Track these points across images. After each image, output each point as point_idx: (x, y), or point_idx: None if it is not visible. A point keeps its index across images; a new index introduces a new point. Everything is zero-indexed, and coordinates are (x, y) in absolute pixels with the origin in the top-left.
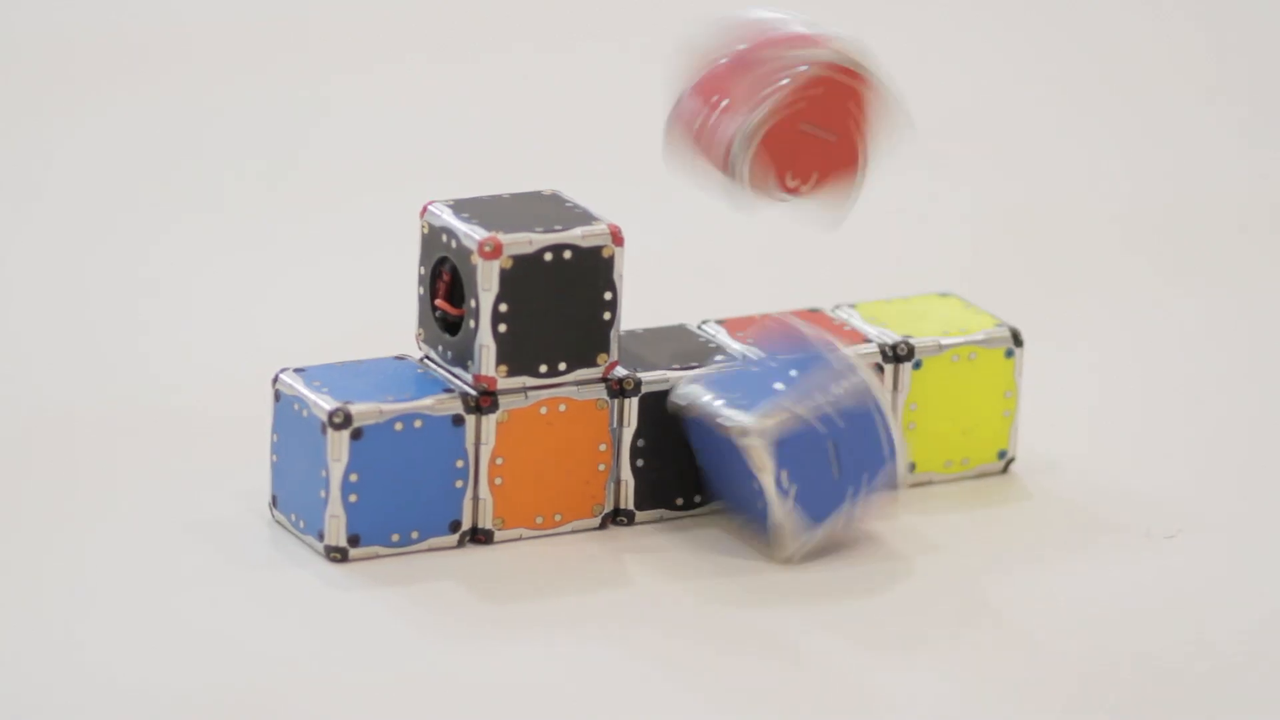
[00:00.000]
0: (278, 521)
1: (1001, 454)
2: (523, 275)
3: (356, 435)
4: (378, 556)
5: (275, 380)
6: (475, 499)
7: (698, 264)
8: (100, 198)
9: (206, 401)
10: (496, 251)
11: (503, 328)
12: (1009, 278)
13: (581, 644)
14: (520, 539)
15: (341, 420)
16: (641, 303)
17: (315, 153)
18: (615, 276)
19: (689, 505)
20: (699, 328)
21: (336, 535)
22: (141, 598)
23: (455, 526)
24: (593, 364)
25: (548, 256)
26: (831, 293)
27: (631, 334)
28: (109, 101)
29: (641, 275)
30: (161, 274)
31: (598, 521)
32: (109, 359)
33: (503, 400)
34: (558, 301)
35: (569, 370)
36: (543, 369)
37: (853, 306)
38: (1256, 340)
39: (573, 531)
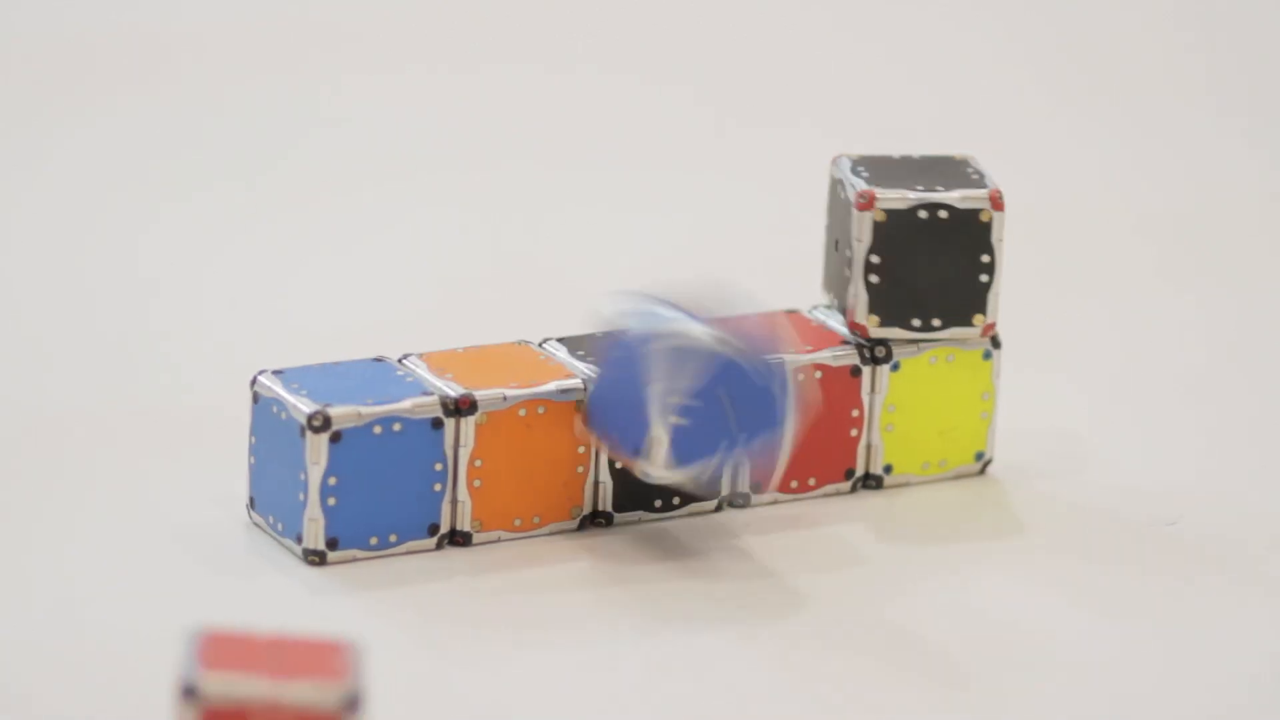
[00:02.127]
0: (255, 524)
1: (979, 455)
2: (896, 229)
3: (335, 438)
4: (356, 559)
5: (254, 382)
6: (454, 501)
7: (677, 266)
8: (83, 200)
9: (183, 403)
10: (869, 204)
11: (874, 278)
12: None
13: (561, 646)
14: (499, 541)
15: (321, 423)
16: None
17: (294, 156)
18: (994, 240)
19: (667, 507)
20: None
21: (315, 538)
22: (117, 601)
23: (434, 529)
24: (968, 323)
25: (922, 214)
26: (810, 294)
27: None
28: (98, 103)
29: (627, 277)
30: (136, 275)
31: (576, 524)
32: (85, 362)
33: (482, 403)
34: (932, 259)
35: (944, 327)
36: (915, 323)
37: (829, 307)
38: (1245, 340)
39: (551, 534)
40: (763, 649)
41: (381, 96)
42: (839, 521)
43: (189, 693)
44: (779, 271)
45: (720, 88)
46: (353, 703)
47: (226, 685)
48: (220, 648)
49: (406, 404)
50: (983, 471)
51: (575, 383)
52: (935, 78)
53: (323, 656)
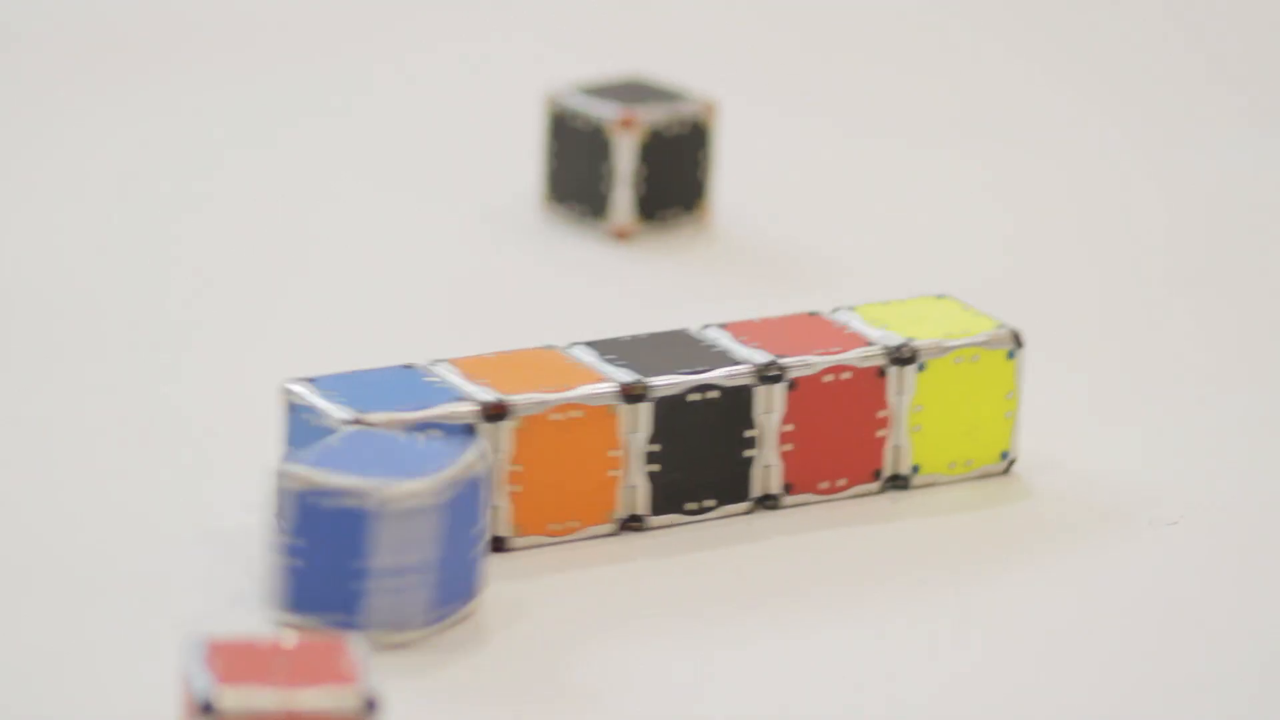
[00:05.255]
0: None
1: (1004, 455)
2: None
3: None
4: None
5: (286, 390)
6: (492, 508)
7: (688, 269)
8: (95, 200)
9: (211, 410)
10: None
11: (641, 189)
12: (993, 279)
13: (606, 651)
14: (536, 547)
15: None
16: (637, 307)
17: (316, 164)
18: (711, 140)
19: (700, 510)
20: (700, 332)
21: None
22: (146, 613)
23: None
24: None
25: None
26: (820, 294)
27: (635, 340)
28: (119, 96)
29: (636, 280)
30: (163, 278)
31: (611, 528)
32: (114, 365)
33: (517, 408)
34: (674, 164)
35: (679, 216)
36: (664, 215)
37: (852, 309)
38: (1252, 341)
39: (587, 538)
40: (804, 648)
41: (378, 93)
42: (865, 523)
43: (206, 709)
44: (784, 272)
45: (722, 84)
46: (371, 705)
47: (243, 699)
48: (229, 658)
49: (443, 410)
50: (1007, 471)
51: (609, 386)
52: (955, 76)
53: (331, 659)
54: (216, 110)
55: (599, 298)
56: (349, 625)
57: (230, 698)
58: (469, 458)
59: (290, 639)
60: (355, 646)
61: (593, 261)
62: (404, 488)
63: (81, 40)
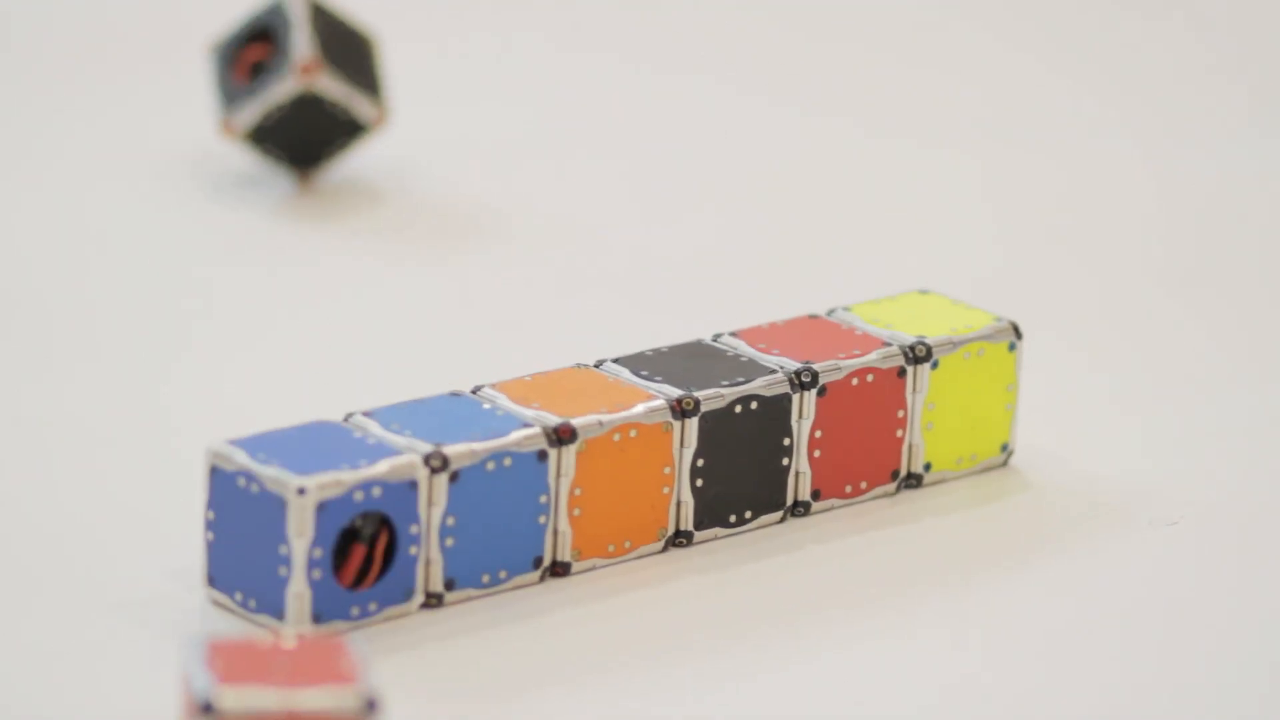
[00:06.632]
0: None
1: (1004, 447)
2: None
3: (454, 478)
4: (469, 599)
5: (347, 422)
6: (555, 532)
7: (686, 268)
8: (108, 199)
9: (211, 410)
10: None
11: None
12: (990, 278)
13: (628, 673)
14: (594, 569)
15: (439, 463)
16: (639, 309)
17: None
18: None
19: (740, 522)
20: (715, 341)
21: (434, 580)
22: (146, 613)
23: (538, 562)
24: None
25: None
26: (818, 293)
27: (659, 354)
28: (119, 95)
29: (638, 280)
30: (162, 279)
31: (661, 545)
32: (112, 365)
33: (580, 430)
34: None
35: None
36: None
37: (847, 309)
38: (1255, 341)
39: (639, 557)
40: (835, 647)
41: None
42: (887, 526)
43: (206, 709)
44: (782, 270)
45: (722, 84)
46: (371, 705)
47: (244, 699)
48: (229, 658)
49: (515, 437)
50: (1006, 463)
51: (661, 403)
52: (955, 75)
53: (331, 659)
54: (215, 110)
55: (600, 298)
56: (267, 610)
57: (230, 698)
58: (406, 458)
59: (290, 639)
60: (355, 646)
61: (590, 261)
62: (324, 479)
63: (81, 40)
